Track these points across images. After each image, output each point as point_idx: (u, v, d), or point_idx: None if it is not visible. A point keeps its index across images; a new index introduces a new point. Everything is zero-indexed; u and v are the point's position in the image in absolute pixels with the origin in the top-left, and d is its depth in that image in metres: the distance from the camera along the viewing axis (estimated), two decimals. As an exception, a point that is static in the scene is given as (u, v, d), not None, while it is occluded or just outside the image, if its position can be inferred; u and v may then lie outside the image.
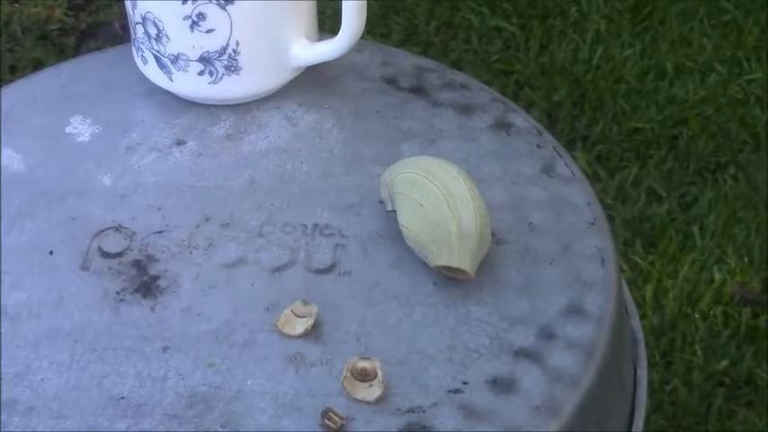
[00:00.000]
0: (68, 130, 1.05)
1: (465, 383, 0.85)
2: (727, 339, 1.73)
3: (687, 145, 2.05)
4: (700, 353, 1.70)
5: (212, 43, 1.01)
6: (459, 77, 1.09)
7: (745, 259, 1.84)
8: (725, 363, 1.70)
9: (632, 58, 2.21)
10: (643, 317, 1.72)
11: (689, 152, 2.04)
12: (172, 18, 1.00)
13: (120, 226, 0.96)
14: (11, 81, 1.93)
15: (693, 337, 1.73)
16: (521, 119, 1.05)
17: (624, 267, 1.81)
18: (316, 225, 0.96)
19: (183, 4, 0.99)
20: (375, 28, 2.10)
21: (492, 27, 2.29)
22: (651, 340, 1.70)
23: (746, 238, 1.87)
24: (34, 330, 0.89)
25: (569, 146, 1.90)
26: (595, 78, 2.18)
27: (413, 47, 2.18)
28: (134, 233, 0.96)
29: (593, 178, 1.93)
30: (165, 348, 0.88)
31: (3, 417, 0.83)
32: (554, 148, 1.02)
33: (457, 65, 2.17)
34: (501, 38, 2.28)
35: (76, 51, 2.20)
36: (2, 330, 0.89)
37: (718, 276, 1.81)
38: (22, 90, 1.10)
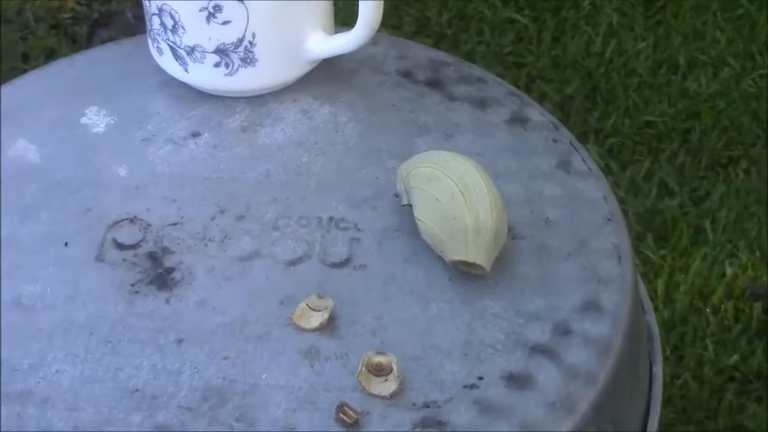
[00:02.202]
0: (83, 120, 1.04)
1: (480, 379, 0.85)
2: (738, 334, 1.73)
3: (699, 139, 2.05)
4: (711, 347, 1.70)
5: (228, 35, 1.00)
6: (476, 71, 1.09)
7: (757, 254, 1.84)
8: (736, 357, 1.69)
9: (645, 51, 2.21)
10: (654, 311, 1.71)
11: (701, 146, 2.04)
12: (188, 9, 1.00)
13: (135, 218, 0.96)
14: (24, 69, 1.94)
15: (704, 332, 1.72)
16: (537, 113, 1.04)
17: (636, 261, 1.80)
18: (331, 218, 0.96)
19: (199, -5, 0.99)
20: (387, 20, 2.08)
21: (504, 19, 2.28)
22: (662, 334, 1.69)
23: (758, 233, 1.87)
24: (49, 322, 0.89)
25: (582, 139, 1.90)
26: (608, 71, 2.18)
27: (425, 39, 2.18)
28: (149, 225, 0.96)
29: (605, 171, 1.92)
30: (179, 341, 0.88)
31: (17, 408, 0.83)
32: (570, 142, 1.02)
33: (469, 57, 2.16)
34: (513, 30, 2.28)
35: (89, 40, 2.20)
36: (17, 322, 0.89)
37: (729, 271, 1.81)
38: (37, 81, 1.10)
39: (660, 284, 1.78)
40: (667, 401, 0.95)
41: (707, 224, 1.88)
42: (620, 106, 2.12)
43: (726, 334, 1.73)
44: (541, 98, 2.10)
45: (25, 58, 2.15)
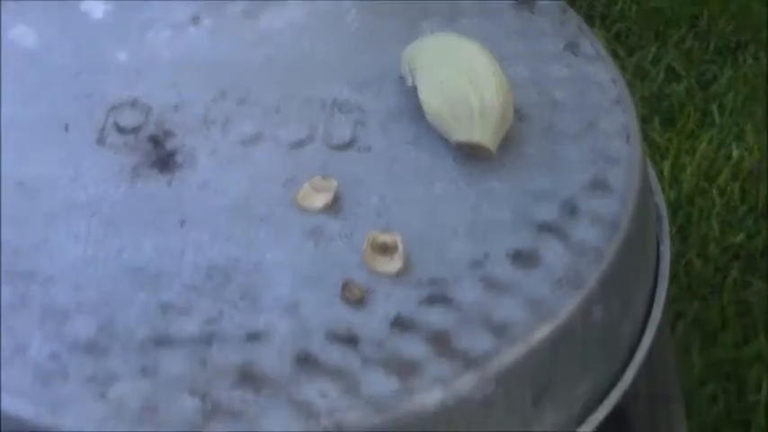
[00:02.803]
0: (83, 7, 1.03)
1: (486, 256, 0.84)
2: (744, 214, 1.72)
3: (707, 24, 2.03)
4: (716, 227, 1.69)
5: None
6: (481, -45, 1.07)
7: (764, 136, 1.83)
8: (741, 236, 1.69)
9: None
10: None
11: (709, 31, 2.02)
12: None
13: (135, 101, 0.95)
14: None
15: (710, 212, 1.72)
16: (544, -4, 1.03)
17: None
18: (335, 101, 0.95)
19: None
20: None
21: None
22: (668, 215, 1.68)
23: (765, 116, 1.86)
24: (51, 203, 0.88)
25: (588, 24, 1.88)
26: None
27: None
28: (150, 108, 0.94)
29: (611, 57, 1.91)
30: (182, 222, 0.87)
31: (21, 287, 0.82)
32: (578, 26, 1.00)
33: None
34: None
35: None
36: (20, 203, 0.88)
37: (736, 153, 1.80)
38: (35, -33, 1.08)
39: (666, 166, 1.77)
40: (672, 279, 0.95)
41: (714, 107, 1.87)
42: (628, -9, 2.10)
43: (731, 214, 1.72)
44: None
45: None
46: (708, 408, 1.49)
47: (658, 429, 0.94)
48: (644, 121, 1.84)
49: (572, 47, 0.98)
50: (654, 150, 1.79)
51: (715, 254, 1.66)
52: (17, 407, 0.77)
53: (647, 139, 1.79)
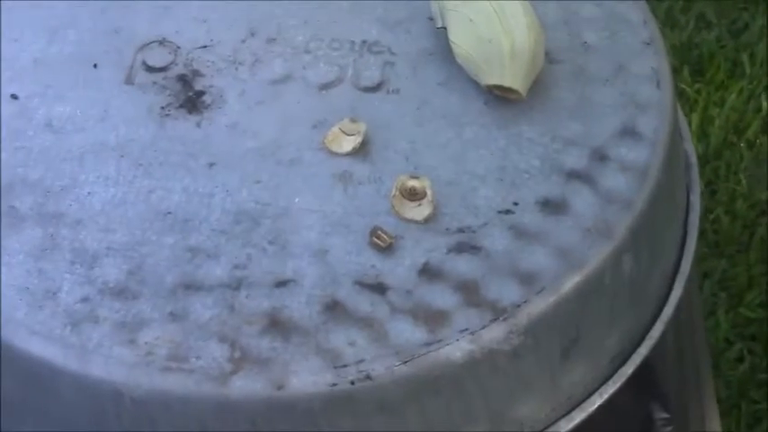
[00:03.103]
0: (109, -60, 1.02)
1: (515, 204, 0.84)
2: (773, 168, 1.71)
3: (740, -30, 2.00)
4: (744, 182, 1.68)
5: None
6: None
7: (796, 87, 1.81)
8: (770, 192, 1.68)
9: None
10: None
11: (741, -23, 1.99)
12: None
13: (164, 39, 0.94)
14: None
15: (738, 167, 1.70)
16: (576, -66, 1.01)
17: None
18: (364, 42, 0.94)
19: None
20: None
21: None
22: (696, 166, 1.68)
23: (797, 67, 1.84)
24: (79, 144, 0.88)
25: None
26: None
27: None
28: (178, 47, 0.94)
29: (640, 2, 1.89)
30: (210, 164, 0.87)
31: (51, 229, 0.83)
32: (610, -35, 0.99)
33: None
34: None
35: None
36: (48, 144, 0.88)
37: (765, 105, 1.78)
38: None
39: (695, 118, 1.75)
40: (700, 235, 0.95)
41: (744, 57, 1.84)
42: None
43: (760, 169, 1.71)
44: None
45: None
46: (733, 367, 1.49)
47: (686, 386, 0.94)
48: (673, 71, 1.81)
49: (604, -14, 0.97)
50: (683, 102, 1.77)
51: (743, 210, 1.65)
52: (47, 351, 0.78)
53: (675, 89, 1.77)
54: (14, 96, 0.90)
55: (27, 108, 0.90)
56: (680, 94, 1.79)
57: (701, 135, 1.75)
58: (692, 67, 1.85)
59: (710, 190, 1.68)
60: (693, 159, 0.97)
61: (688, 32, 1.90)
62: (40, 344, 0.78)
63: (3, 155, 0.87)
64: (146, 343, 0.77)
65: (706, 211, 1.64)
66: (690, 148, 0.98)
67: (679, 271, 0.89)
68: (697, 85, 1.81)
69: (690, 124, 1.73)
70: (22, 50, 0.93)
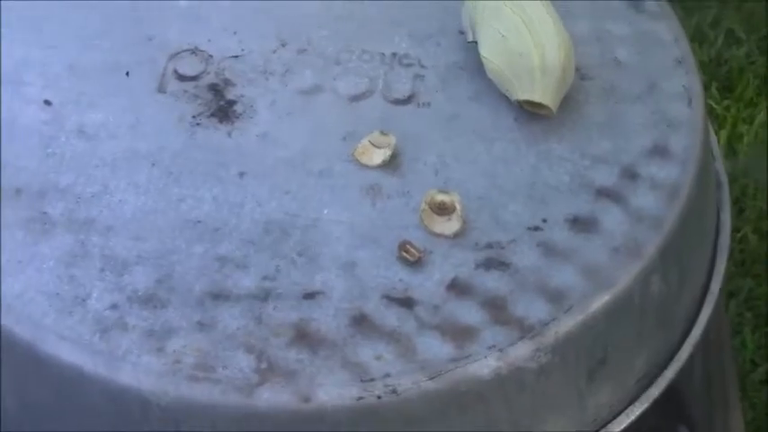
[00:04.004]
0: (144, -52, 1.03)
1: (544, 221, 0.84)
2: (801, 188, 1.70)
3: (770, -15, 1.99)
4: (773, 201, 1.68)
5: None
6: None
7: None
8: (798, 211, 1.67)
9: None
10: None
11: (772, -7, 1.98)
12: None
13: (196, 48, 0.95)
14: None
15: (766, 185, 1.70)
16: (609, -49, 1.01)
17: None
18: (394, 54, 0.94)
19: None
20: None
21: None
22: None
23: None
24: (111, 151, 0.88)
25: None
26: None
27: None
28: (210, 56, 0.94)
29: (670, 17, 1.88)
30: (241, 174, 0.87)
31: (82, 236, 0.83)
32: (642, -18, 0.99)
33: None
34: None
35: None
36: (80, 150, 0.88)
37: (795, 123, 1.77)
38: None
39: (723, 135, 1.75)
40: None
41: (774, 74, 1.84)
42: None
43: (788, 187, 1.71)
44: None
45: None
46: (758, 389, 1.48)
47: (713, 409, 0.94)
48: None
49: (635, 3, 0.97)
50: (711, 119, 1.77)
51: (771, 229, 1.64)
52: (76, 357, 0.78)
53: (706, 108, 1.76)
54: (48, 102, 0.91)
55: (60, 114, 0.90)
56: (708, 112, 1.78)
57: (729, 152, 1.74)
58: (721, 83, 1.84)
59: (738, 208, 1.68)
60: (724, 179, 0.97)
61: (717, 48, 1.90)
62: (69, 350, 0.78)
63: (34, 161, 0.88)
64: (173, 351, 0.77)
65: (733, 230, 1.64)
66: (720, 167, 0.98)
67: (708, 291, 0.89)
68: (726, 102, 1.80)
69: (718, 141, 1.73)
70: (56, 57, 0.94)
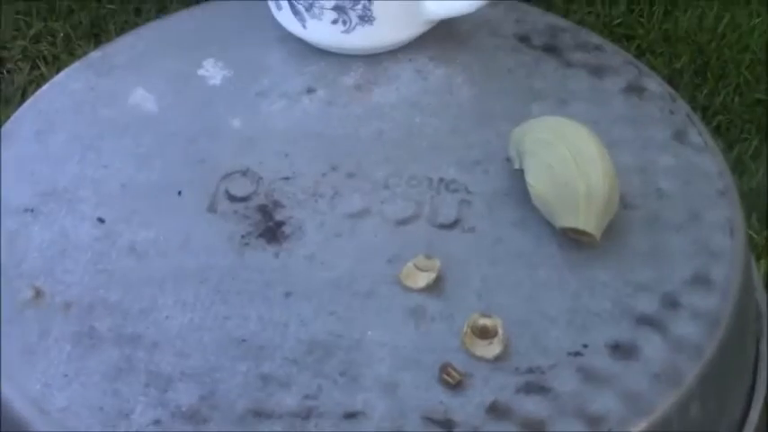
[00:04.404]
0: (200, 72, 1.05)
1: (585, 347, 0.84)
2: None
3: (811, 119, 2.01)
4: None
5: (347, -8, 1.01)
6: (593, 38, 1.08)
7: None
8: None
9: (759, 27, 2.17)
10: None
11: (812, 126, 1.99)
12: (308, -34, 1.00)
13: (247, 170, 0.97)
14: (135, 23, 1.96)
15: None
16: (654, 83, 1.03)
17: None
18: (441, 180, 0.96)
19: (320, -48, 0.99)
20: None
21: (616, -11, 2.26)
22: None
23: None
24: (161, 269, 0.90)
25: (689, 116, 1.88)
26: (720, 47, 2.14)
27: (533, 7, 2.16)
28: (261, 178, 0.96)
29: (713, 148, 1.89)
30: (287, 294, 0.88)
31: (128, 351, 0.85)
32: (687, 114, 1.00)
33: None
34: (624, 1, 2.25)
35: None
36: (130, 267, 0.90)
37: (838, 254, 1.77)
38: (156, 31, 1.11)
39: (763, 265, 1.75)
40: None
41: (814, 207, 1.84)
42: (731, 83, 2.08)
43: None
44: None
45: (137, 12, 2.17)
46: None
47: None
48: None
49: (680, 135, 0.99)
50: (751, 248, 1.77)
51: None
52: (119, 471, 0.79)
53: (747, 239, 1.77)
54: (101, 220, 0.93)
55: (112, 232, 0.93)
56: (748, 241, 1.78)
57: (769, 283, 1.74)
58: (761, 214, 1.85)
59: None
60: (764, 309, 0.97)
61: (757, 180, 1.91)
62: (112, 464, 0.79)
63: (86, 276, 0.90)
64: (214, 468, 0.78)
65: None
66: (761, 297, 0.98)
67: (747, 420, 0.89)
68: (765, 233, 1.81)
69: (758, 271, 1.73)
70: (110, 176, 0.97)
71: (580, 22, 2.15)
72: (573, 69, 1.04)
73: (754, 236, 1.81)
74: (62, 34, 2.04)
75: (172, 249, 0.91)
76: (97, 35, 2.05)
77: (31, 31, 2.07)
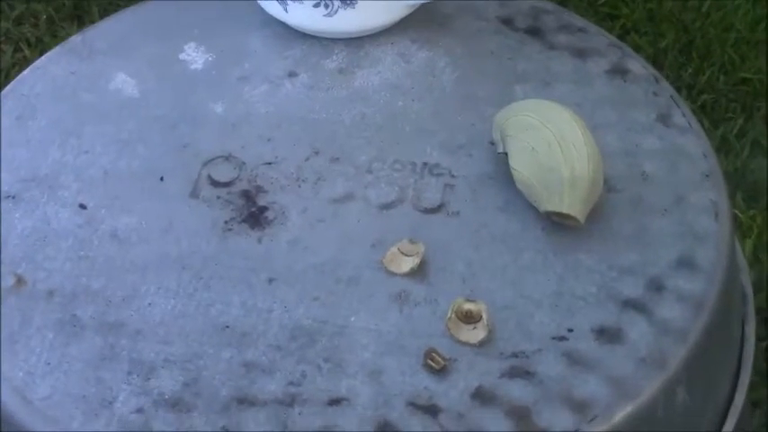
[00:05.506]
0: (182, 56, 1.05)
1: (570, 331, 0.84)
2: (829, 299, 1.70)
3: (798, 97, 2.01)
4: (798, 311, 1.67)
5: (329, -24, 1.00)
6: (577, 20, 1.07)
7: None
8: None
9: (744, 5, 2.16)
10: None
11: (800, 104, 1.99)
12: (290, -51, 1.00)
13: (230, 155, 0.96)
14: (118, 5, 1.95)
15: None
16: (638, 65, 1.03)
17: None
18: (425, 164, 0.95)
19: (301, -66, 0.98)
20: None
21: (600, -31, 2.25)
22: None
23: None
24: (143, 255, 0.90)
25: (673, 94, 1.87)
26: (704, 26, 2.14)
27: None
28: (243, 163, 0.96)
29: (698, 128, 1.89)
30: (270, 280, 0.88)
31: (111, 339, 0.84)
32: (671, 96, 1.00)
33: (562, 6, 2.13)
34: (609, -20, 2.24)
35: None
36: (112, 254, 0.90)
37: (822, 234, 1.77)
38: (138, 15, 1.10)
39: (748, 245, 1.75)
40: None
41: (800, 185, 1.84)
42: (716, 62, 2.08)
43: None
44: (634, 51, 2.06)
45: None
46: None
47: None
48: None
49: (664, 118, 0.98)
50: (736, 228, 1.77)
51: (796, 340, 1.64)
52: (102, 459, 0.79)
53: (733, 221, 1.77)
54: (83, 206, 0.93)
55: (94, 218, 0.92)
56: (733, 221, 1.78)
57: (755, 261, 1.74)
58: (747, 193, 1.85)
59: (763, 318, 1.67)
60: (749, 291, 0.97)
61: (743, 158, 1.91)
62: (95, 453, 0.79)
63: (67, 264, 0.89)
64: (198, 456, 0.78)
65: (758, 340, 1.63)
66: (746, 279, 0.98)
67: (732, 404, 0.89)
68: (751, 211, 1.81)
69: (743, 251, 1.73)
70: (92, 162, 0.96)
71: (564, 2, 2.14)
72: (556, 51, 1.04)
73: (740, 215, 1.80)
74: (45, 16, 2.03)
75: (154, 235, 0.91)
76: (80, 17, 2.04)
77: (14, 13, 2.05)
